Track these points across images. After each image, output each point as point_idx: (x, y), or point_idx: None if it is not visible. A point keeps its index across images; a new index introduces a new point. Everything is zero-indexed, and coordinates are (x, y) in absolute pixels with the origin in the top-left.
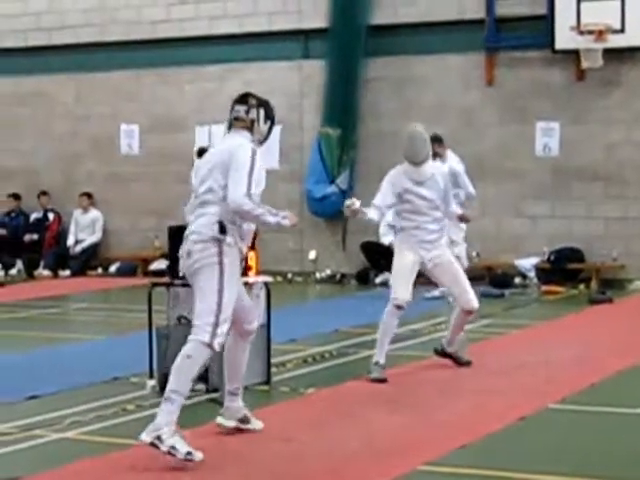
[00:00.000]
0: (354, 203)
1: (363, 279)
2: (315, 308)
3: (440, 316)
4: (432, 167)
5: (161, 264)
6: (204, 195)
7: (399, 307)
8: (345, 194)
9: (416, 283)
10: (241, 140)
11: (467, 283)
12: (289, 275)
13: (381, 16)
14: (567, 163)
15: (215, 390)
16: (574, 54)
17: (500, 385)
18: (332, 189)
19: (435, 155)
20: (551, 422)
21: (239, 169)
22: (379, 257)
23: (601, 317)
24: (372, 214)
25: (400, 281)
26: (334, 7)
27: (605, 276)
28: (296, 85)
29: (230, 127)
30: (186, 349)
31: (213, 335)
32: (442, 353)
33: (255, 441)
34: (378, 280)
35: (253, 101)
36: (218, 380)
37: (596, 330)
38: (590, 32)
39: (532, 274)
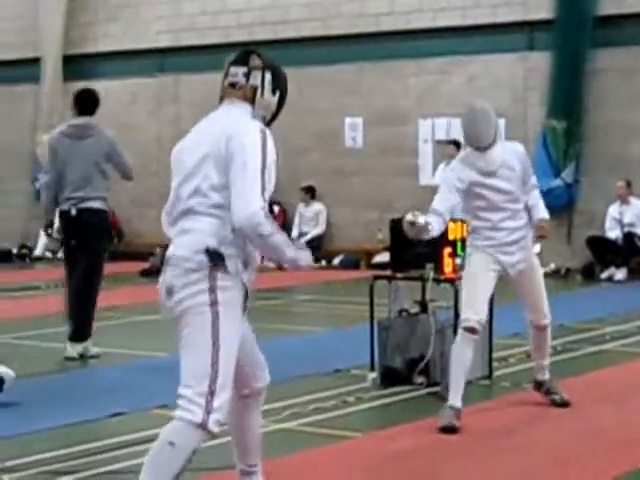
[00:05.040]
0: (416, 218)
1: (588, 274)
2: None
3: None
4: (503, 151)
5: (384, 257)
6: (189, 200)
7: (471, 330)
8: (571, 187)
9: None
10: (243, 119)
11: (544, 296)
12: None
13: (608, 6)
14: None
15: (436, 384)
16: None
17: None
18: (557, 182)
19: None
20: None
21: (247, 168)
22: (605, 252)
23: None
24: (434, 228)
25: (471, 297)
26: None
27: None
28: (520, 78)
29: (222, 98)
30: (168, 433)
31: (208, 410)
32: (538, 385)
33: (475, 436)
34: (604, 275)
35: (256, 61)
36: (440, 373)
37: None
38: None
39: None
